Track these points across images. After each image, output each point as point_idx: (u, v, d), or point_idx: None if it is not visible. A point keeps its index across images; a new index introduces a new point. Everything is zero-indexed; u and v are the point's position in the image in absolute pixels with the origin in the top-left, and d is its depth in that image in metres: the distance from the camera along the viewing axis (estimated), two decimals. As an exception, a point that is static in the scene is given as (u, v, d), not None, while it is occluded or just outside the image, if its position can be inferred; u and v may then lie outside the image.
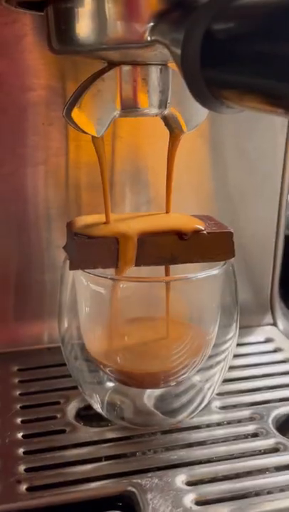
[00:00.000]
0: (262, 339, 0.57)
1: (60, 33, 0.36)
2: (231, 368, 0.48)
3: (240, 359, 0.53)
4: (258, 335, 0.57)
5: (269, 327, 0.59)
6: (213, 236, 0.41)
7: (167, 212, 0.44)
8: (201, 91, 0.30)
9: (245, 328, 0.57)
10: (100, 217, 0.43)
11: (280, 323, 0.59)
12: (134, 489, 0.38)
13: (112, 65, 0.38)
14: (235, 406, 0.47)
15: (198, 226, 0.40)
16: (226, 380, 0.48)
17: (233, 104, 0.30)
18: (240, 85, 0.28)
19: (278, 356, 0.54)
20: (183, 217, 0.43)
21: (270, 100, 0.27)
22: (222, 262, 0.42)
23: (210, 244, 0.41)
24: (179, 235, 0.40)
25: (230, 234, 0.42)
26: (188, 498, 0.37)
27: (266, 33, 0.25)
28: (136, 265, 0.39)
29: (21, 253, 0.52)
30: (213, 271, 0.41)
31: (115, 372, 0.42)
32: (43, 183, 0.51)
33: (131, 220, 0.43)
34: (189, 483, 0.39)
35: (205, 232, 0.41)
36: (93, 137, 0.39)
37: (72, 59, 0.46)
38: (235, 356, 0.49)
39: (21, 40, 0.47)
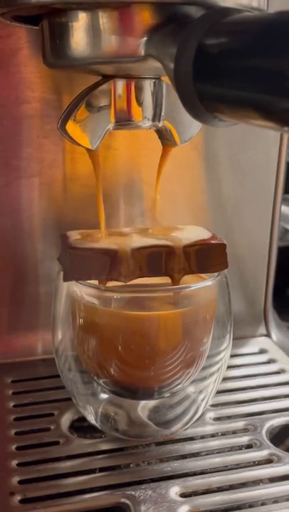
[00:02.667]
0: (256, 350, 0.57)
1: (54, 47, 0.37)
2: (225, 379, 0.48)
3: (234, 370, 0.53)
4: (252, 346, 0.58)
5: (263, 338, 0.59)
6: (206, 248, 0.41)
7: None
8: (193, 105, 0.30)
9: (239, 339, 0.57)
10: (95, 232, 0.44)
11: (274, 334, 0.59)
12: (128, 501, 0.38)
13: (106, 78, 0.38)
14: (229, 417, 0.47)
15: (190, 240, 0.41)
16: (220, 391, 0.48)
17: (225, 117, 0.30)
18: (232, 99, 0.29)
19: (272, 367, 0.54)
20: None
21: (262, 114, 0.27)
22: (215, 273, 0.42)
23: (203, 256, 0.41)
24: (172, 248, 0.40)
25: (224, 245, 0.42)
26: (182, 510, 0.37)
27: (258, 48, 0.26)
28: (130, 279, 0.40)
29: (16, 265, 0.52)
30: (207, 282, 0.42)
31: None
32: (38, 195, 0.51)
33: (125, 233, 0.44)
34: (183, 495, 0.39)
35: (197, 243, 0.41)
36: (88, 150, 0.40)
37: (68, 72, 0.46)
38: (229, 367, 0.50)
39: (16, 54, 0.47)
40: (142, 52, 0.34)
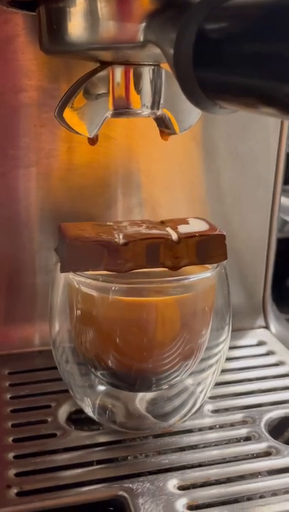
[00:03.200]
0: (254, 342, 0.57)
1: (51, 32, 0.36)
2: (224, 371, 0.48)
3: (232, 362, 0.52)
4: (251, 338, 0.57)
5: (261, 330, 0.59)
6: (206, 239, 0.41)
7: None
8: (193, 91, 0.30)
9: (238, 331, 0.56)
10: (92, 223, 0.43)
11: (273, 326, 0.59)
12: (125, 494, 0.38)
13: (104, 65, 0.37)
14: (227, 409, 0.46)
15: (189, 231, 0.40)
16: (218, 384, 0.48)
17: (226, 104, 0.30)
18: (233, 85, 0.28)
19: (271, 359, 0.54)
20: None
21: (264, 101, 0.27)
22: (215, 265, 0.42)
23: (202, 247, 0.41)
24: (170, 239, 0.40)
25: (223, 236, 0.42)
26: (180, 503, 0.37)
27: (259, 33, 0.25)
28: (129, 269, 0.39)
29: (12, 255, 0.52)
30: (206, 273, 0.41)
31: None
32: (35, 185, 0.50)
33: (123, 224, 0.43)
34: (181, 488, 0.38)
35: (197, 234, 0.41)
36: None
37: (65, 60, 0.46)
38: (228, 359, 0.49)
39: (13, 41, 0.46)
40: (141, 37, 0.33)
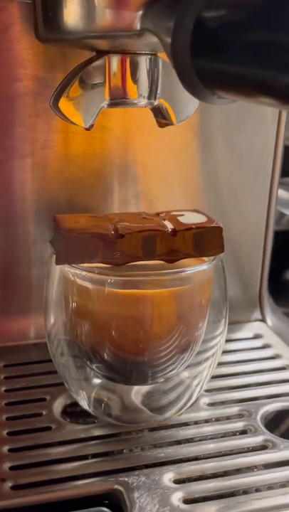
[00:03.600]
0: (250, 335, 0.56)
1: (47, 20, 0.36)
2: (220, 364, 0.48)
3: (228, 355, 0.52)
4: (247, 331, 0.57)
5: (258, 323, 0.59)
6: (203, 231, 0.41)
7: None
8: (191, 81, 0.29)
9: (234, 324, 0.56)
10: (88, 215, 0.43)
11: (269, 319, 0.59)
12: (121, 487, 0.37)
13: (100, 54, 0.37)
14: (223, 403, 0.46)
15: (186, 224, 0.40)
16: (214, 377, 0.47)
17: (224, 94, 0.29)
18: (232, 75, 0.28)
19: (267, 352, 0.53)
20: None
21: (263, 90, 0.26)
22: (211, 257, 0.41)
23: (199, 240, 0.40)
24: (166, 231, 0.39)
25: (220, 229, 0.41)
26: (176, 497, 0.37)
27: (260, 21, 0.25)
28: (125, 262, 0.39)
29: (7, 247, 0.51)
30: (203, 266, 0.41)
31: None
32: (30, 176, 0.50)
33: (119, 216, 0.43)
34: (177, 481, 0.38)
35: (194, 227, 0.40)
36: None
37: (61, 49, 0.45)
38: (224, 352, 0.49)
39: (8, 29, 0.46)
40: (138, 26, 0.32)
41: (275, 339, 0.56)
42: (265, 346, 0.55)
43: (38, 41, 0.42)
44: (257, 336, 0.56)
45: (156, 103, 0.39)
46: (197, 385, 0.44)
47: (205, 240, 0.40)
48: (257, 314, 0.59)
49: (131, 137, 0.51)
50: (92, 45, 0.37)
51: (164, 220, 0.42)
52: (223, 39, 0.27)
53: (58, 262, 0.40)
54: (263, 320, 0.59)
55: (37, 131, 0.48)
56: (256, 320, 0.59)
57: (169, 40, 0.30)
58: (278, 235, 0.60)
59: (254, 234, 0.58)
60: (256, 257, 0.58)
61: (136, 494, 0.37)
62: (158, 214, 0.44)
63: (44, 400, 0.46)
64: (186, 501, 0.37)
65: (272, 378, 0.49)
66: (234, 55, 0.27)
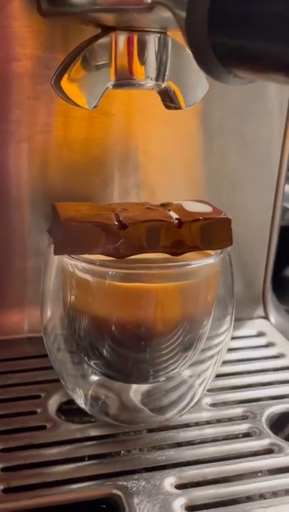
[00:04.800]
0: (253, 333, 0.55)
1: (50, -8, 0.33)
2: (222, 362, 0.46)
3: (231, 353, 0.50)
4: (250, 328, 0.55)
5: (260, 320, 0.57)
6: (210, 223, 0.39)
7: None
8: (207, 58, 0.27)
9: (236, 321, 0.54)
10: (88, 204, 0.41)
11: (272, 317, 0.57)
12: (119, 492, 0.35)
13: (106, 30, 0.34)
14: (226, 403, 0.45)
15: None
16: (217, 376, 0.45)
17: (242, 73, 0.27)
18: (251, 51, 0.26)
19: (271, 351, 0.52)
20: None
21: (285, 67, 0.24)
22: (218, 251, 0.39)
23: (206, 232, 0.38)
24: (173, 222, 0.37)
25: (228, 220, 0.39)
26: (178, 503, 0.35)
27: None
28: (128, 254, 0.37)
29: (2, 238, 0.49)
30: (209, 260, 0.39)
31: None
32: (27, 163, 0.48)
33: (122, 206, 0.41)
34: (179, 486, 0.36)
35: (201, 218, 0.38)
36: None
37: (63, 26, 0.43)
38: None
39: (6, 6, 0.43)
40: (149, -1, 0.30)
41: (278, 337, 0.54)
42: (268, 344, 0.53)
43: (37, 19, 0.40)
44: (260, 334, 0.55)
45: (164, 85, 0.37)
46: (200, 385, 0.42)
47: (212, 233, 0.39)
48: (260, 311, 0.57)
49: (133, 123, 0.49)
50: (98, 20, 0.34)
51: (170, 210, 0.40)
52: (243, 12, 0.25)
53: (56, 252, 0.38)
54: (266, 317, 0.57)
55: (35, 114, 0.46)
56: (259, 317, 0.57)
57: (183, 14, 0.28)
58: (282, 231, 0.58)
59: (259, 228, 0.56)
60: (260, 252, 0.57)
61: (136, 500, 0.35)
62: (162, 205, 0.42)
63: (38, 397, 0.44)
64: (189, 508, 0.35)
65: (276, 378, 0.48)
66: (255, 29, 0.25)
